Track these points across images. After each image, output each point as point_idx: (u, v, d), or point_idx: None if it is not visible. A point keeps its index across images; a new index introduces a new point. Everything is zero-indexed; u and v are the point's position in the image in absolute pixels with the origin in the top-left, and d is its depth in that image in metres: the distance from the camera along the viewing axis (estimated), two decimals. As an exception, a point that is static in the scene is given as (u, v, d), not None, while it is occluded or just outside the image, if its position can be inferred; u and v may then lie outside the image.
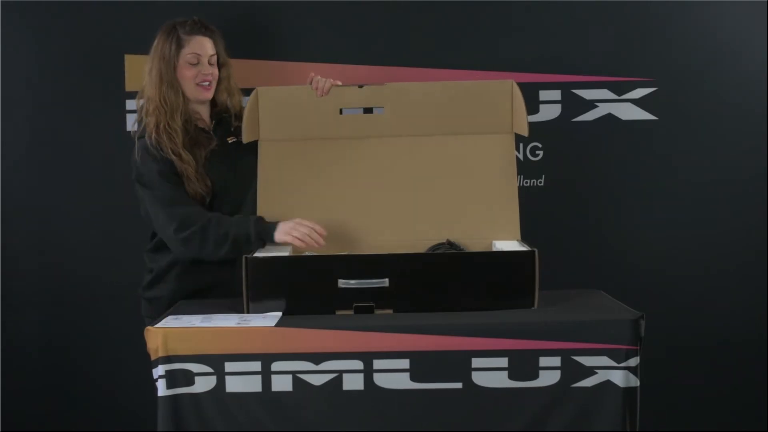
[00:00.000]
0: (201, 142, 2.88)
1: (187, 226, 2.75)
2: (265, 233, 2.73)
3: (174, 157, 2.80)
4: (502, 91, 2.84)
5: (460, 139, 2.85)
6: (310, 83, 2.88)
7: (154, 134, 2.81)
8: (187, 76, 2.87)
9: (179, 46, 2.86)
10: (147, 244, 2.98)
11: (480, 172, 2.83)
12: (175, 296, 2.85)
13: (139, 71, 3.16)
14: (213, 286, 2.84)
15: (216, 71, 2.92)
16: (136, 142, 2.86)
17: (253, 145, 2.86)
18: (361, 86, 2.88)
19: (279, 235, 2.71)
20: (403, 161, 2.84)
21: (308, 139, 2.87)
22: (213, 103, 2.97)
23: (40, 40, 3.37)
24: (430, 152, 2.84)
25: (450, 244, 2.75)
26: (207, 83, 2.89)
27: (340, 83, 2.88)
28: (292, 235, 2.69)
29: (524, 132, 2.82)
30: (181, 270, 2.89)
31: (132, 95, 3.33)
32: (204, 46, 2.89)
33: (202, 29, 2.89)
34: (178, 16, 2.91)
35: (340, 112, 2.87)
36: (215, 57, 2.91)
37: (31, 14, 3.36)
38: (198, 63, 2.88)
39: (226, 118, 2.97)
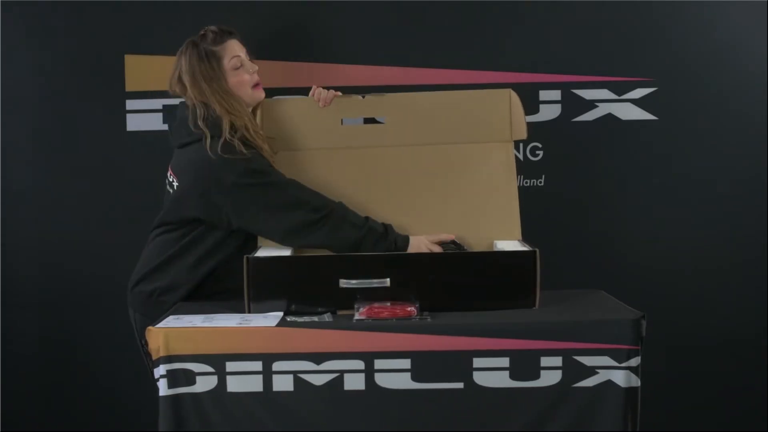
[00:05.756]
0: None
1: (322, 207, 2.69)
2: (400, 239, 2.72)
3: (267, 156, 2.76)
4: (500, 100, 2.86)
5: (460, 147, 2.86)
6: (312, 95, 2.89)
7: (248, 136, 2.74)
8: (243, 81, 2.81)
9: (218, 59, 2.79)
10: (187, 254, 2.79)
11: (480, 177, 2.84)
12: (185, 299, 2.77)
13: (139, 71, 3.17)
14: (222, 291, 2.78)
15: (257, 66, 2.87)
16: (213, 142, 2.68)
17: None
18: (363, 96, 2.89)
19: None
20: (405, 169, 2.85)
21: (310, 150, 2.87)
22: None
23: (40, 40, 3.37)
24: (431, 160, 2.86)
25: (455, 243, 2.75)
26: (258, 83, 2.85)
27: (341, 94, 2.89)
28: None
29: (522, 136, 2.86)
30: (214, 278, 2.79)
31: (132, 95, 3.34)
32: (234, 48, 2.82)
33: (226, 34, 2.83)
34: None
35: (341, 122, 2.88)
36: (247, 53, 2.87)
37: (31, 14, 3.35)
38: (242, 65, 2.82)
39: None
